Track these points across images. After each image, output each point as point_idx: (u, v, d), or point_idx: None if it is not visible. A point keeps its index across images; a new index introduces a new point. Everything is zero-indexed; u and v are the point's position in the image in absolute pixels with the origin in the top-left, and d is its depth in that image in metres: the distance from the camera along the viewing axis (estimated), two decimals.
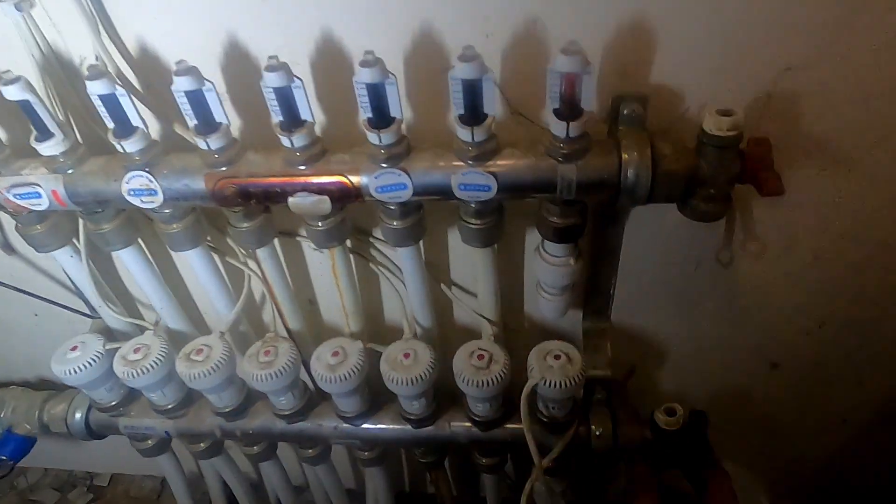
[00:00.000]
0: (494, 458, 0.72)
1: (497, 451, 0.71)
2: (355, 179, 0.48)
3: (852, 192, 0.54)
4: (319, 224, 0.53)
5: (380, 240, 0.63)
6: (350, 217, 0.56)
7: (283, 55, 0.44)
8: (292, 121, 0.46)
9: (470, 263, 0.63)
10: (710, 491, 0.59)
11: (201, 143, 0.48)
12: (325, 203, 0.49)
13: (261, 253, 0.58)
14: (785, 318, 0.67)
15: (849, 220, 0.57)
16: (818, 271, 0.62)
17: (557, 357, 0.56)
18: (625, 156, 0.44)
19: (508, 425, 0.65)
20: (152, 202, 0.51)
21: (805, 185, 0.53)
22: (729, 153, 0.44)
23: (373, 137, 0.45)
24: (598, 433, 0.62)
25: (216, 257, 0.64)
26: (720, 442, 0.62)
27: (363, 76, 0.42)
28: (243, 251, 0.64)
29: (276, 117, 0.46)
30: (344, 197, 0.49)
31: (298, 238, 0.64)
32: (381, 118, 0.45)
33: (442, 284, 0.65)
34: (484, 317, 0.64)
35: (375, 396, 0.68)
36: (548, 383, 0.55)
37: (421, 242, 0.57)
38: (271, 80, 0.43)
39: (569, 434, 0.62)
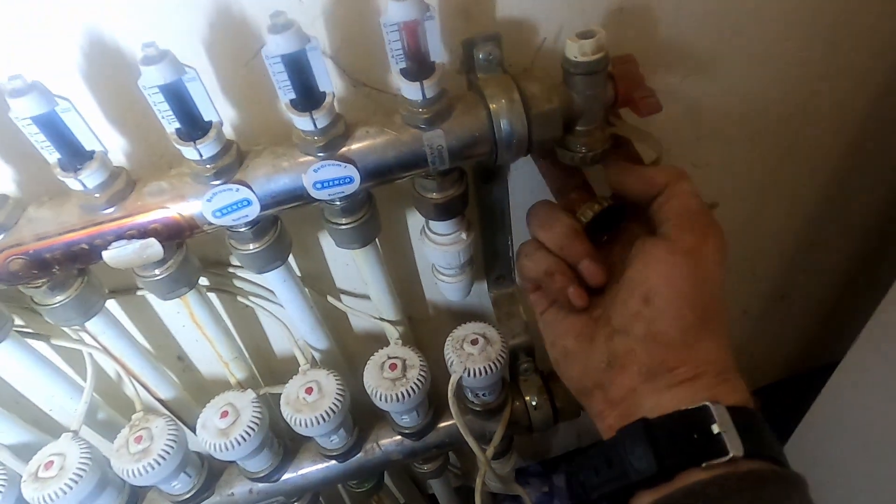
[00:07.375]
0: (435, 463, 0.66)
1: (435, 455, 0.65)
2: (183, 208, 0.38)
3: (717, 90, 0.53)
4: (156, 272, 0.42)
5: (241, 268, 0.53)
6: (194, 253, 0.45)
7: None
8: (75, 156, 0.35)
9: (353, 266, 0.55)
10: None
11: None
12: (152, 247, 0.39)
13: (93, 326, 0.46)
14: None
15: (719, 118, 0.56)
16: (697, 179, 0.61)
17: (475, 342, 0.51)
18: (493, 106, 0.38)
19: (441, 425, 0.59)
20: None
21: (670, 95, 0.51)
22: (598, 78, 0.39)
23: (188, 152, 0.36)
24: (534, 404, 0.58)
25: (37, 343, 0.51)
26: None
27: (151, 78, 0.32)
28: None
29: (52, 156, 0.35)
30: (175, 233, 0.39)
31: (139, 292, 0.52)
32: (193, 125, 0.35)
33: (329, 297, 0.57)
34: (384, 319, 0.56)
35: (287, 441, 0.58)
36: (472, 373, 0.49)
37: (290, 258, 0.49)
38: (25, 109, 0.32)
39: (505, 416, 0.57)
